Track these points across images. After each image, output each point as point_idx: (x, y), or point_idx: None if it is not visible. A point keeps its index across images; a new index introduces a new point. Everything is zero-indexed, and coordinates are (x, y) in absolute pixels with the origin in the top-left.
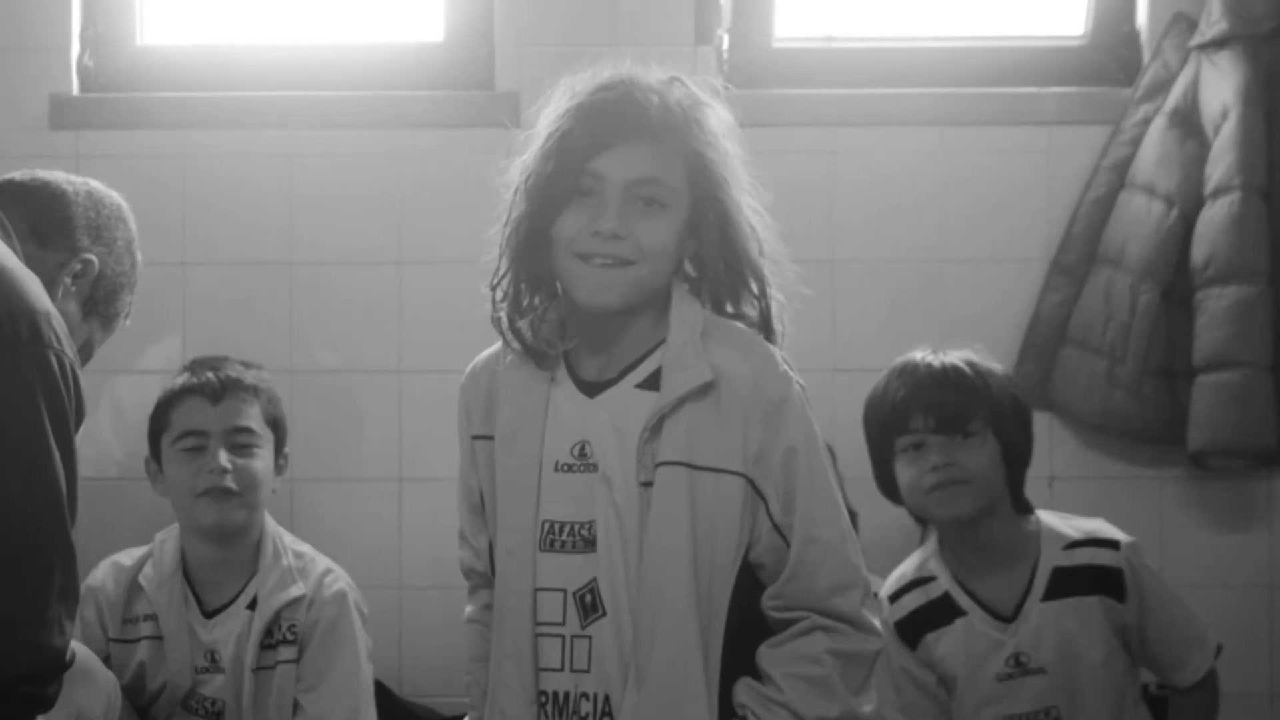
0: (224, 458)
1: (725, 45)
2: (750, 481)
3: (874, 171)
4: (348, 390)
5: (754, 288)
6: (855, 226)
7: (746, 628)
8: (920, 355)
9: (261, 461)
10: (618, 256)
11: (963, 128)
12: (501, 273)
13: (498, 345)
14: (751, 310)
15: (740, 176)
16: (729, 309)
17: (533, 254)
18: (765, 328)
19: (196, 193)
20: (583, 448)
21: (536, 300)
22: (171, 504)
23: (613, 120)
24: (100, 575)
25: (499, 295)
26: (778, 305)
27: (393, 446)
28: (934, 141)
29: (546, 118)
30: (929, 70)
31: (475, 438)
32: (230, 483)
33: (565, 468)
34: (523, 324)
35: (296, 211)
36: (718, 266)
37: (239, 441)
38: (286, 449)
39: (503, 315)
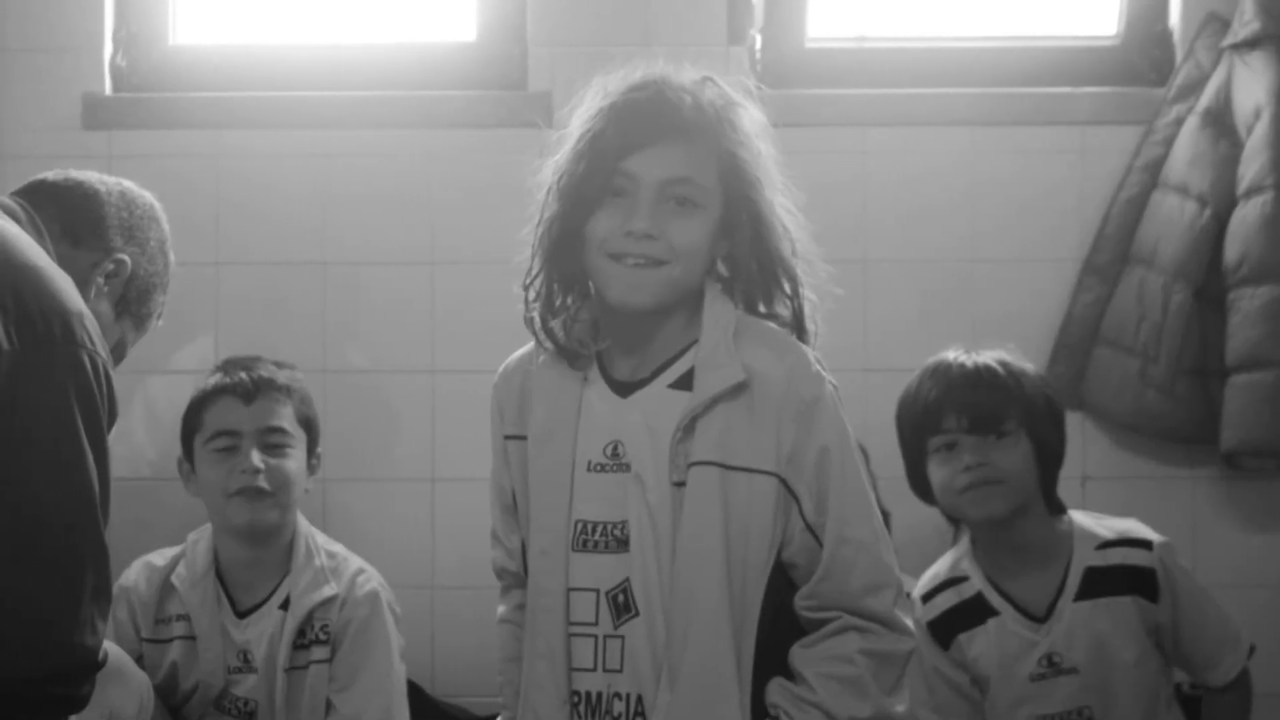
0: (256, 458)
1: (758, 45)
2: (783, 481)
3: (906, 171)
4: (380, 390)
5: (786, 287)
6: (888, 226)
7: (779, 628)
8: (953, 355)
9: (294, 461)
10: (650, 256)
11: (995, 128)
12: (534, 273)
13: (530, 345)
14: (784, 310)
15: (773, 176)
16: (762, 309)
17: (565, 254)
18: (798, 328)
19: (229, 193)
20: (615, 448)
21: (569, 300)
22: (204, 504)
23: (645, 120)
24: (133, 575)
25: (531, 295)
26: (810, 305)
27: (425, 446)
28: (966, 141)
29: (579, 118)
30: (961, 70)
31: (508, 438)
32: (263, 483)
33: (598, 468)
34: (555, 324)
35: (329, 211)
36: (750, 266)
37: (272, 441)
38: (319, 449)
39: (535, 315)
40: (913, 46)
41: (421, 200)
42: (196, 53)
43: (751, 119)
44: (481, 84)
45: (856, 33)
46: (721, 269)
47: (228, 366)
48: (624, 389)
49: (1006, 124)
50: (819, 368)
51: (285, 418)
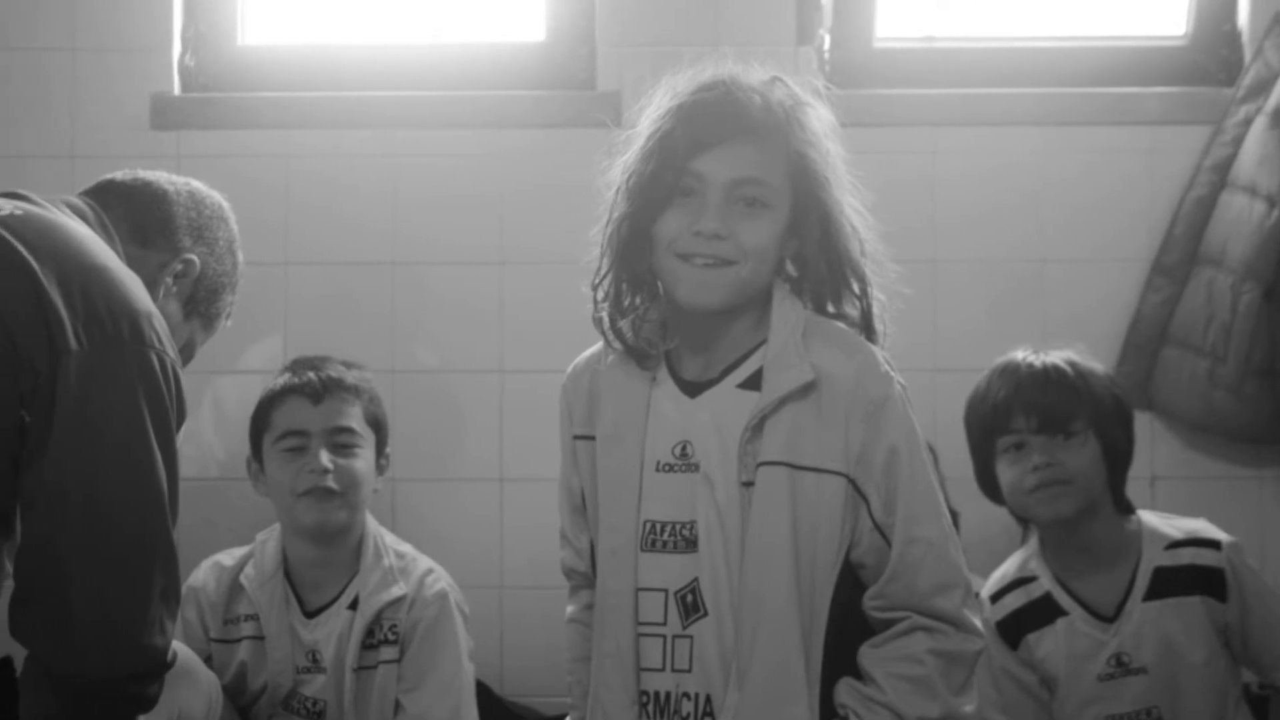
0: (325, 458)
1: (826, 45)
2: (852, 481)
3: (975, 171)
4: (449, 390)
5: (855, 287)
6: (956, 226)
7: (848, 628)
8: (1022, 355)
9: (363, 461)
10: (719, 256)
11: (1064, 128)
12: (603, 272)
13: (598, 345)
14: (853, 310)
15: (842, 176)
16: (830, 309)
17: (634, 254)
18: (866, 328)
19: (298, 193)
20: (684, 448)
21: (638, 300)
22: (273, 504)
23: (714, 120)
24: (202, 575)
25: (600, 295)
26: (879, 305)
27: (494, 446)
28: (1036, 141)
29: (648, 118)
30: (1030, 70)
31: (576, 438)
32: (331, 483)
33: (667, 468)
34: (624, 324)
35: (398, 211)
36: (819, 266)
37: (340, 441)
38: (388, 449)
39: (604, 315)
40: (981, 46)
41: (490, 200)
42: (265, 53)
43: (820, 119)
44: (550, 84)
45: (925, 33)
46: (790, 269)
47: (296, 366)
48: (692, 389)
49: (1075, 124)
50: (888, 368)
51: (354, 418)
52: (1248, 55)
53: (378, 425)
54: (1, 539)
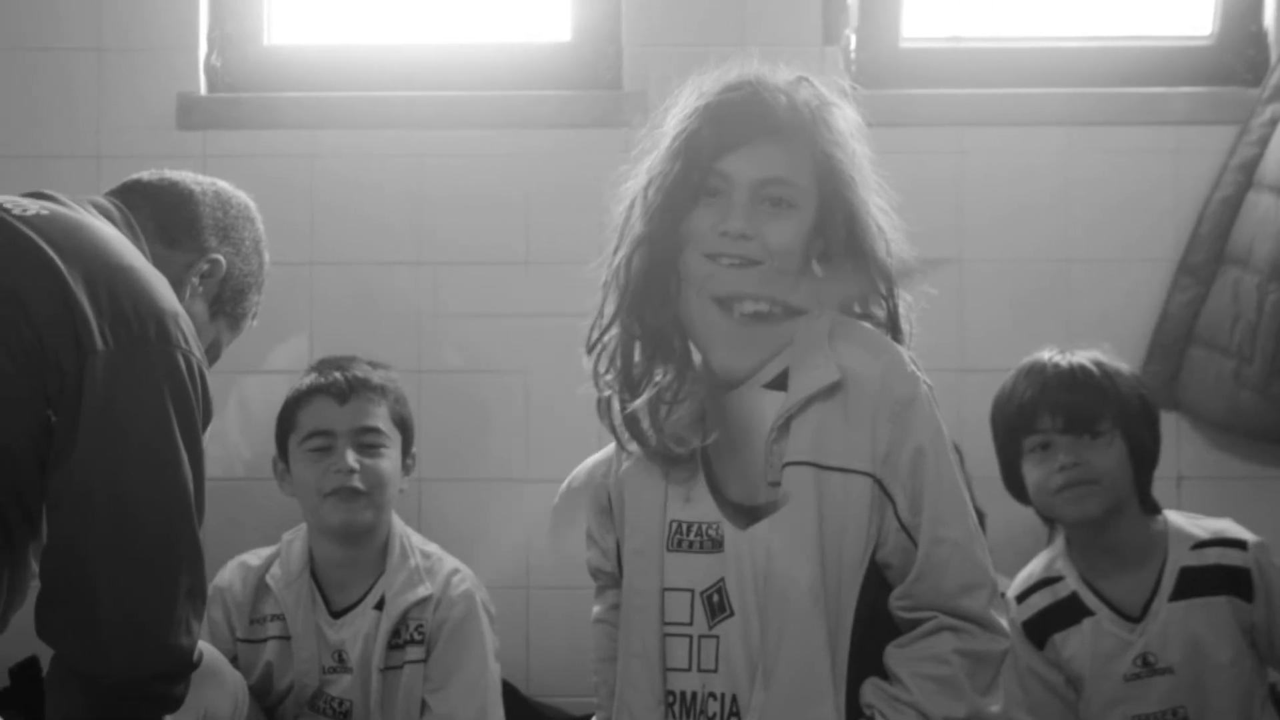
0: (351, 458)
1: (852, 45)
2: (878, 481)
3: (1002, 171)
4: (474, 390)
5: (881, 288)
6: (983, 226)
7: (874, 628)
8: (1048, 355)
9: (389, 461)
10: (745, 256)
11: (1090, 128)
12: (605, 322)
13: (604, 451)
14: (879, 310)
15: (868, 176)
16: (856, 309)
17: (651, 296)
18: (893, 328)
19: (323, 193)
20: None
21: (656, 372)
22: (299, 504)
23: (740, 120)
24: (228, 575)
25: (602, 363)
26: (905, 305)
27: (519, 447)
28: (1061, 141)
29: (673, 118)
30: (1056, 70)
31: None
32: (357, 482)
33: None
34: (640, 408)
35: (424, 212)
36: (845, 267)
37: (366, 441)
38: (414, 449)
39: (612, 394)
40: (1007, 46)
41: (515, 201)
42: (291, 53)
43: (846, 119)
44: (576, 84)
45: (951, 32)
46: (816, 269)
47: (322, 366)
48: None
49: (1102, 124)
50: (914, 367)
51: (380, 418)
52: (1274, 55)
53: (404, 425)
54: (29, 538)
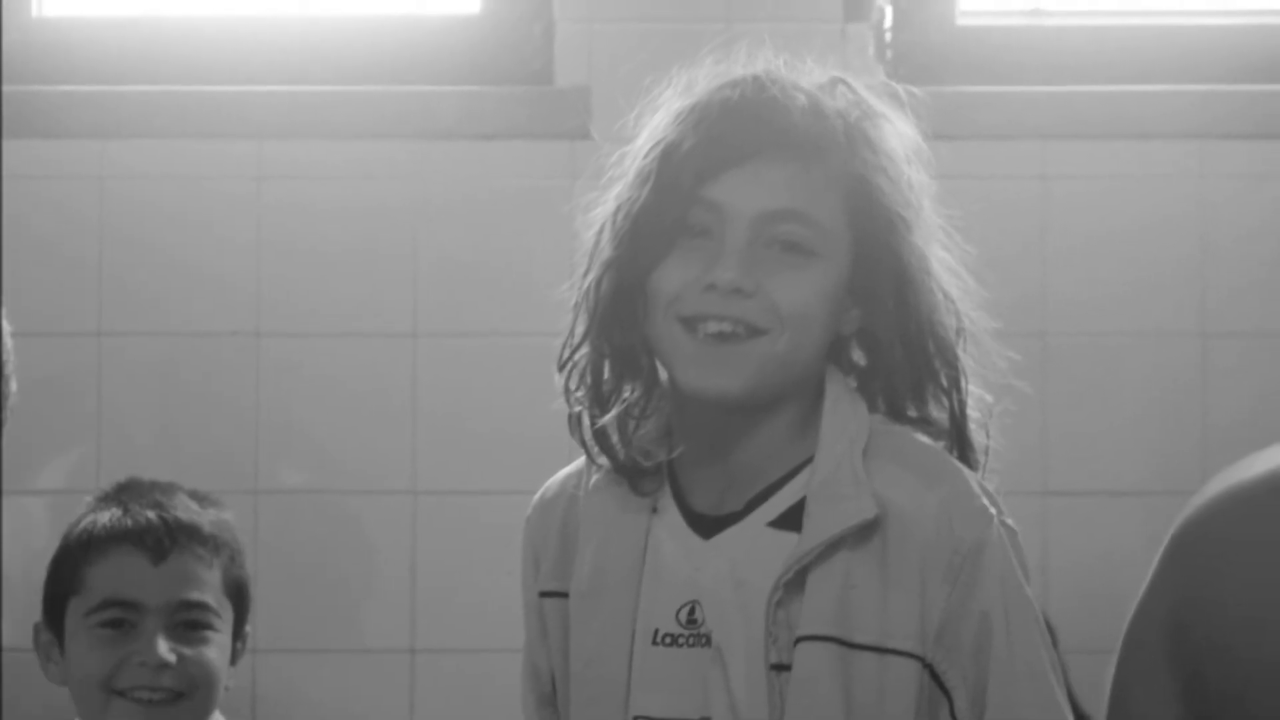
0: (163, 647)
1: (887, 23)
2: (929, 667)
3: (1104, 202)
4: (337, 519)
5: (944, 380)
6: (1074, 284)
7: None
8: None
9: (217, 649)
10: (742, 321)
11: (1227, 141)
12: (575, 342)
13: (578, 463)
14: (940, 414)
15: (929, 220)
16: (911, 412)
17: (620, 317)
18: (958, 440)
19: (116, 229)
20: (692, 611)
21: (625, 389)
22: (71, 697)
23: (739, 128)
24: None
25: (572, 379)
26: (978, 406)
27: (403, 603)
28: (1192, 161)
29: (649, 128)
30: (1183, 59)
31: (545, 595)
32: (171, 681)
33: (668, 639)
34: (609, 423)
35: (265, 258)
36: (894, 350)
37: (188, 619)
38: (248, 626)
39: (582, 410)
40: (1111, 24)
41: (399, 245)
42: (68, 27)
43: (901, 137)
44: (487, 76)
45: (1030, 4)
46: (857, 355)
47: (125, 496)
48: (706, 526)
49: (1243, 137)
50: (986, 500)
51: (209, 586)
52: None
53: (239, 592)
54: None
